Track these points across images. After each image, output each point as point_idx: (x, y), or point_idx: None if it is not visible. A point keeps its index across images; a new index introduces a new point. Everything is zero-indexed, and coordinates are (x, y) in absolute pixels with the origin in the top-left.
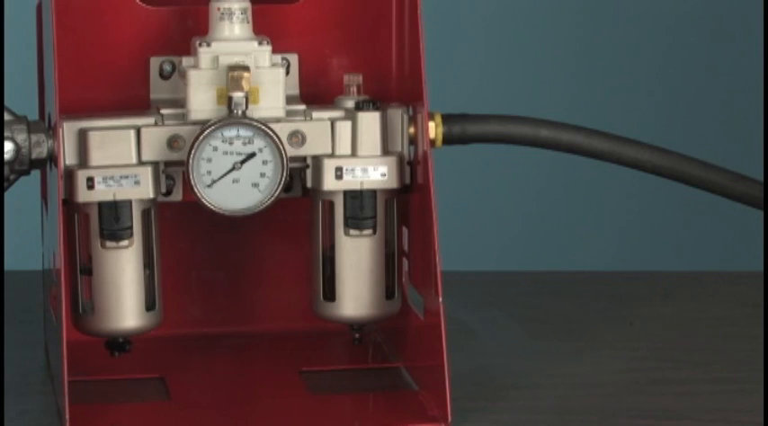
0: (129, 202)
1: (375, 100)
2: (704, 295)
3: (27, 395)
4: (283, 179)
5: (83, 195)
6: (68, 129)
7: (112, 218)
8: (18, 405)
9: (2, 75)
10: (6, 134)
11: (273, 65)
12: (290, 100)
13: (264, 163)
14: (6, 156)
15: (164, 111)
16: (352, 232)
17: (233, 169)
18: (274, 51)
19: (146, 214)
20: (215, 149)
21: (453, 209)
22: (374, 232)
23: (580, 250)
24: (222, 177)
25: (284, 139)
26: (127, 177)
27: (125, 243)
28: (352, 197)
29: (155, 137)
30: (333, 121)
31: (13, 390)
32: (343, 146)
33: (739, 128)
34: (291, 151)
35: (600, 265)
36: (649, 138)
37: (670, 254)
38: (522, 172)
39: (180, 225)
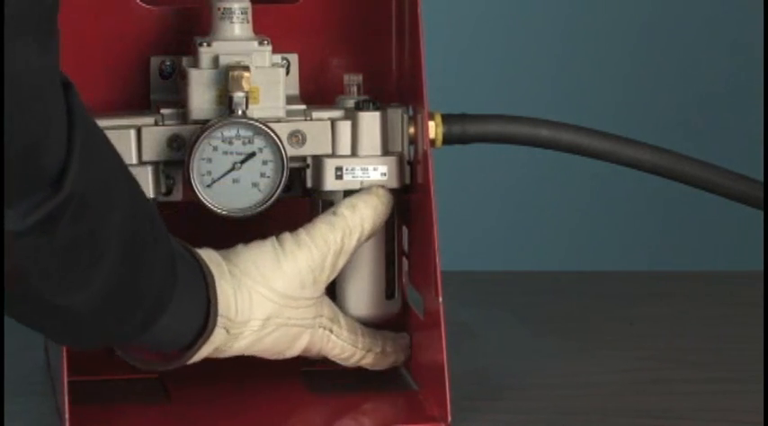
0: None
1: (375, 100)
2: (703, 295)
3: (27, 395)
4: (283, 179)
5: None
6: None
7: None
8: (18, 405)
9: (1, 75)
10: None
11: (273, 65)
12: (290, 100)
13: (264, 163)
14: None
15: (164, 111)
16: None
17: (233, 169)
18: (274, 51)
19: None
20: (215, 149)
21: (453, 209)
22: None
23: (580, 250)
24: (222, 177)
25: (284, 139)
26: None
27: None
28: None
29: (155, 137)
30: (333, 121)
31: (13, 390)
32: (344, 145)
33: (739, 128)
34: (291, 151)
35: (600, 265)
36: (649, 138)
37: (670, 254)
38: (522, 172)
39: (180, 225)
